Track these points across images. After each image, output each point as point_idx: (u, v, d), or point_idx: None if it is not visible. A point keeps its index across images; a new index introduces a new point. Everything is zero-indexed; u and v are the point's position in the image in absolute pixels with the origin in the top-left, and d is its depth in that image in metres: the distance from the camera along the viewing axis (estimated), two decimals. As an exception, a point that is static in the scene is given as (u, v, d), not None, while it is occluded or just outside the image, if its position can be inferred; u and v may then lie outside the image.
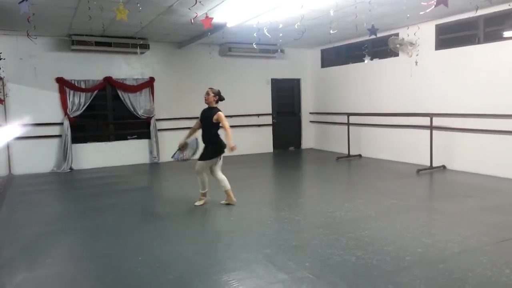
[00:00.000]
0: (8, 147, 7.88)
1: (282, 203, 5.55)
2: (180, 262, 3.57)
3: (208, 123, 5.23)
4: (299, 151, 11.12)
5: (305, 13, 6.31)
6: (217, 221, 4.76)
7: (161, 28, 7.73)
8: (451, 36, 7.51)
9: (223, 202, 5.40)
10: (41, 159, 8.30)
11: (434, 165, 7.47)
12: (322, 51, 10.82)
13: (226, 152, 5.15)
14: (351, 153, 9.37)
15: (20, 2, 4.25)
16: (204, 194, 5.42)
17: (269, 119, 10.85)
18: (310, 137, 11.41)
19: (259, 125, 10.64)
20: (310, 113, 11.34)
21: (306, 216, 4.94)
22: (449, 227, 4.29)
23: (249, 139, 10.42)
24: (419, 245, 3.74)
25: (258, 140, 10.63)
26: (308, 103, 11.35)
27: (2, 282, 3.29)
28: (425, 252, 3.60)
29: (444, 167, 7.56)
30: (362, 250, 3.66)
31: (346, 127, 9.40)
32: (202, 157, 5.27)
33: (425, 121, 7.58)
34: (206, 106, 5.35)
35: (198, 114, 5.45)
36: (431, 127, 7.40)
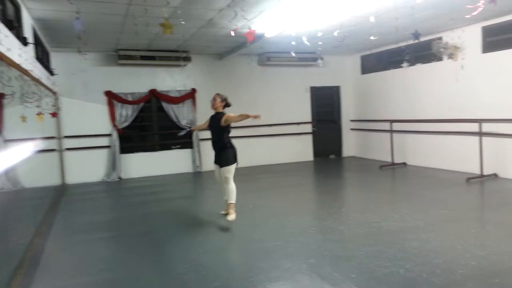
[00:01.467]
0: (61, 157, 8.35)
1: (324, 212, 5.50)
2: (226, 269, 3.63)
3: (217, 128, 5.07)
4: (340, 159, 10.97)
5: (344, 20, 6.28)
6: (260, 230, 4.78)
7: (202, 41, 7.94)
8: (499, 38, 7.18)
9: (223, 212, 5.28)
10: (92, 168, 8.73)
11: (484, 173, 7.13)
12: (362, 58, 10.66)
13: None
14: (395, 161, 9.13)
15: (76, 20, 4.54)
16: (232, 206, 4.98)
17: (309, 128, 10.80)
18: (351, 145, 11.24)
19: (299, 134, 10.62)
20: (351, 120, 11.17)
21: (350, 226, 4.86)
22: (503, 239, 4.08)
23: (289, 148, 10.47)
24: (472, 258, 3.58)
25: (298, 149, 10.62)
26: (348, 111, 11.20)
27: (63, 285, 3.48)
28: (478, 265, 3.44)
29: (495, 175, 7.19)
30: (411, 262, 3.55)
31: (389, 134, 9.19)
32: (226, 162, 4.99)
33: (474, 127, 7.27)
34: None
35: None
36: (480, 134, 7.09)
